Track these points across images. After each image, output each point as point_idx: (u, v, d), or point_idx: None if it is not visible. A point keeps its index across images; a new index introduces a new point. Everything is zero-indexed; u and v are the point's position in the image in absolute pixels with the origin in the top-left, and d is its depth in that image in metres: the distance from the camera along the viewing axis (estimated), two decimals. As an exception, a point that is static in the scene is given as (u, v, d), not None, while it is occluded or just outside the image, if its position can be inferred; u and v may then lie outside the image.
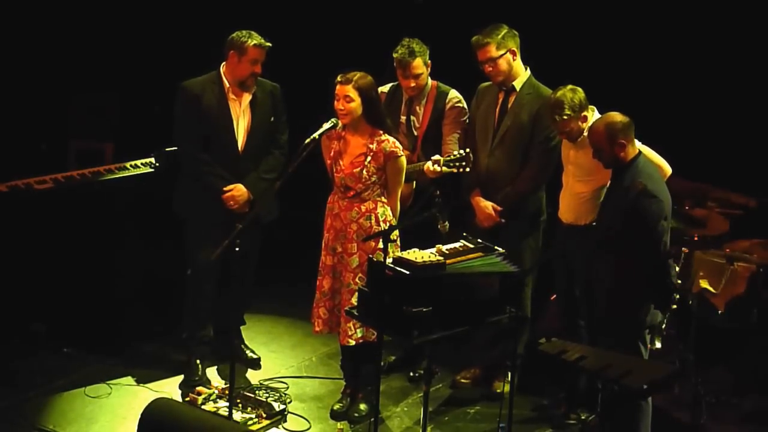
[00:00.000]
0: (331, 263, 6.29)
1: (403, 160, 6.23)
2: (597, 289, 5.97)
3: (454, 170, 6.47)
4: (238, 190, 6.63)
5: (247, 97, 6.65)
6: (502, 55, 6.49)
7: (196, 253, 6.68)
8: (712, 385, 6.66)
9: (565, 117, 6.13)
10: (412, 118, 6.80)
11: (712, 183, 7.13)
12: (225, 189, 6.61)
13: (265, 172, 6.72)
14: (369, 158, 6.16)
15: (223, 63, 6.63)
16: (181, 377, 6.81)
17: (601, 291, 5.91)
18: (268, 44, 6.58)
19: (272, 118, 6.74)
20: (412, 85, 6.69)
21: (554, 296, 6.67)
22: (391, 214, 6.25)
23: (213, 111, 6.60)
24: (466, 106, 6.78)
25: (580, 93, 6.16)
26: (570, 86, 6.17)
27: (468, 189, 6.70)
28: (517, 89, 6.59)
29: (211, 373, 6.93)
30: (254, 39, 6.54)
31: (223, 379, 6.81)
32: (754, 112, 7.58)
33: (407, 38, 6.67)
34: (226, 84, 6.62)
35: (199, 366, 6.84)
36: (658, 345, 6.15)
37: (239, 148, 6.67)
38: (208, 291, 6.82)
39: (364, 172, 6.16)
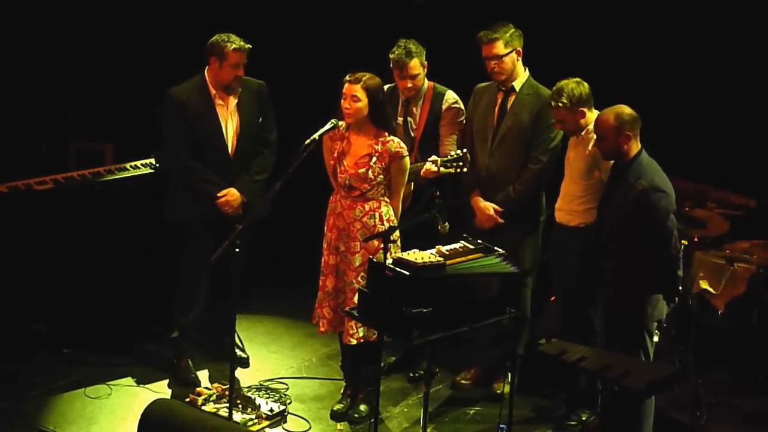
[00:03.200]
0: (334, 262, 6.28)
1: (407, 160, 6.22)
2: (603, 287, 5.94)
3: (452, 171, 6.48)
4: (231, 195, 6.63)
5: (233, 100, 6.63)
6: (508, 54, 6.48)
7: (192, 255, 6.70)
8: (712, 385, 6.66)
9: (560, 105, 6.15)
10: (408, 119, 6.79)
11: (712, 184, 7.13)
12: (218, 195, 6.61)
13: (257, 174, 6.73)
14: (374, 159, 6.15)
15: (206, 68, 6.60)
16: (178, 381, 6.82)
17: (607, 289, 5.89)
18: (248, 46, 6.53)
19: (260, 119, 6.73)
20: (409, 85, 6.68)
21: (554, 297, 6.67)
22: (393, 214, 6.25)
23: (201, 117, 6.58)
24: (463, 106, 6.77)
25: (584, 87, 6.17)
26: (577, 79, 6.19)
27: (467, 190, 6.69)
28: (517, 90, 6.58)
29: (205, 374, 6.93)
30: (234, 43, 6.49)
31: (218, 379, 6.79)
32: (754, 112, 7.58)
33: (403, 39, 6.66)
34: (212, 89, 6.59)
35: (192, 366, 6.84)
36: (656, 339, 6.15)
37: (230, 152, 6.66)
38: (201, 292, 6.82)
39: (370, 172, 6.15)
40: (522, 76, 6.60)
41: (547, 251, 6.65)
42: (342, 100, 6.13)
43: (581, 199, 6.27)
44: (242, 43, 6.51)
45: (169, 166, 6.89)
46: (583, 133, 6.24)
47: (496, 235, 6.42)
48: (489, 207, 6.61)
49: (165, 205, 6.81)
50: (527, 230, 6.65)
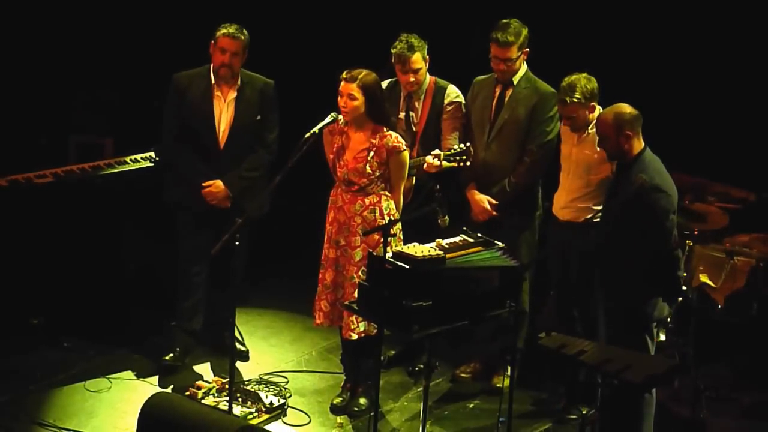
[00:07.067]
0: (334, 256, 6.29)
1: (406, 154, 6.22)
2: (607, 283, 5.93)
3: (455, 164, 6.49)
4: (216, 187, 6.65)
5: (231, 93, 6.65)
6: (519, 57, 6.49)
7: (184, 241, 6.78)
8: (711, 379, 6.67)
9: (575, 100, 6.13)
10: (410, 113, 6.79)
11: (711, 177, 7.13)
12: (204, 184, 6.63)
13: (247, 170, 6.72)
14: (372, 153, 6.15)
15: None
16: (178, 374, 6.82)
17: (609, 285, 5.88)
18: (240, 36, 6.54)
19: (258, 116, 6.72)
20: (412, 80, 6.67)
21: (553, 292, 6.67)
22: (394, 208, 6.25)
23: (197, 105, 6.64)
24: (464, 100, 6.77)
25: (594, 83, 6.18)
26: (585, 74, 6.18)
27: (464, 183, 6.70)
28: (515, 83, 6.59)
29: (205, 368, 6.94)
30: (226, 28, 6.55)
31: (218, 373, 6.79)
32: (754, 106, 7.58)
33: (405, 33, 6.66)
34: (213, 79, 6.64)
35: (178, 352, 6.83)
36: (663, 337, 6.15)
37: (220, 144, 6.68)
38: (196, 282, 6.84)
39: (368, 167, 6.15)
40: (521, 70, 6.59)
41: (544, 248, 6.65)
42: (339, 98, 6.13)
43: (590, 194, 6.26)
44: (235, 31, 6.53)
45: (162, 148, 7.01)
46: (589, 129, 6.24)
47: (493, 229, 6.42)
48: (484, 200, 6.62)
49: (165, 185, 6.87)
50: (524, 225, 6.66)
